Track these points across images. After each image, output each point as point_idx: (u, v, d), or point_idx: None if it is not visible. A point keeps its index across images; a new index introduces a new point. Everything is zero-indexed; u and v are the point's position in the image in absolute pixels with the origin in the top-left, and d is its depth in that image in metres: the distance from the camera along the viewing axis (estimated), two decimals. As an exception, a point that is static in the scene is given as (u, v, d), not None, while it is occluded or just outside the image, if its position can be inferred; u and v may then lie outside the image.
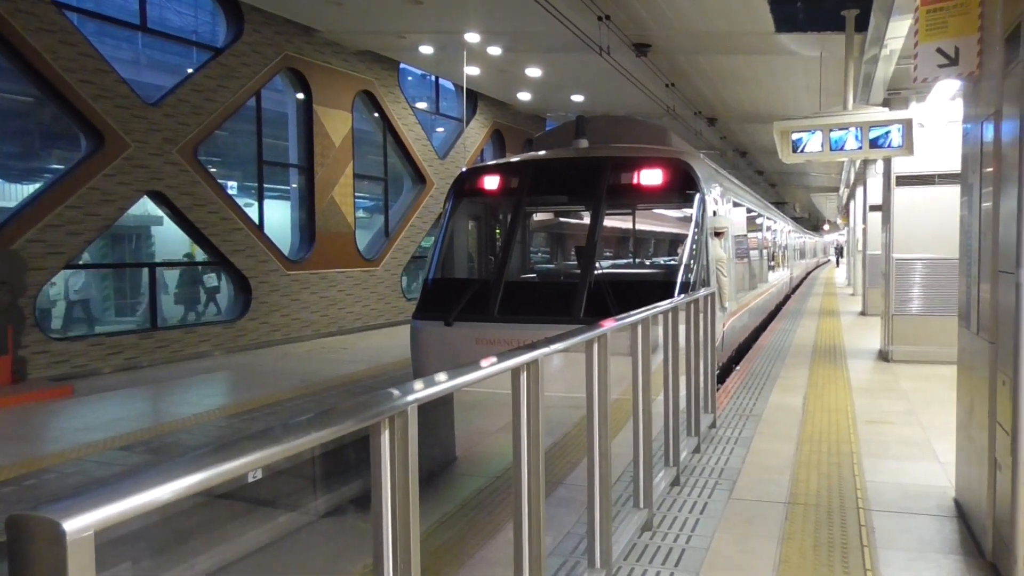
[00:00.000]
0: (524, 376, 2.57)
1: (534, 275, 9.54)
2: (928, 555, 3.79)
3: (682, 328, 5.20)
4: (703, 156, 9.90)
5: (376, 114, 16.62)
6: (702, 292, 6.00)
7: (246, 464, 1.26)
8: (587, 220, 8.02)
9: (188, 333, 12.02)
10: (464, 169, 8.77)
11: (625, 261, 9.58)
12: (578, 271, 7.68)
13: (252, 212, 13.42)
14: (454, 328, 7.26)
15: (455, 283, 8.20)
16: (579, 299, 7.04)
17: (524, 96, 20.16)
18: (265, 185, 13.87)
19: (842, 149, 8.43)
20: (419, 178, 17.89)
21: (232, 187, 14.12)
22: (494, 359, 2.47)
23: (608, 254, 9.55)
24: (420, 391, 1.86)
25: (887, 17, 7.44)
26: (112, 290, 14.06)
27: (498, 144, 21.56)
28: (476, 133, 20.18)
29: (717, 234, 8.29)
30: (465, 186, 8.37)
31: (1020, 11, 3.23)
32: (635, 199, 8.19)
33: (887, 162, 10.31)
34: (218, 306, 13.90)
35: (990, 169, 3.71)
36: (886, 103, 10.11)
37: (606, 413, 3.35)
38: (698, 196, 7.65)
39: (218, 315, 13.63)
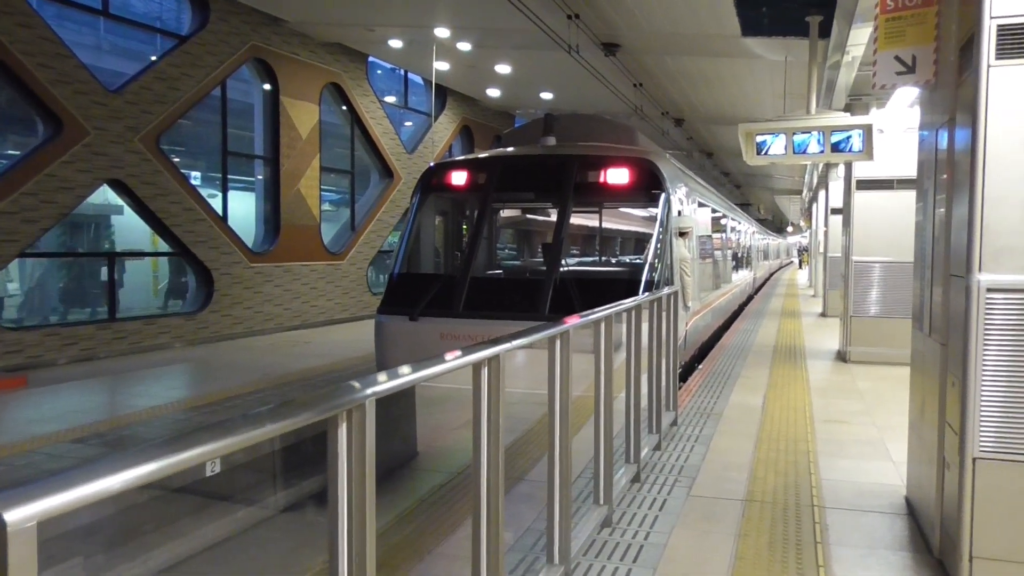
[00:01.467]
0: (486, 371, 2.58)
1: (500, 271, 9.55)
2: (878, 551, 3.87)
3: (645, 326, 5.25)
4: (669, 156, 10.04)
5: (344, 107, 16.49)
6: (665, 291, 6.05)
7: (199, 455, 1.25)
8: (553, 217, 8.08)
9: (147, 324, 11.83)
10: (432, 164, 8.76)
11: (591, 259, 9.67)
12: (544, 268, 7.74)
13: (216, 203, 13.24)
14: (419, 323, 7.26)
15: (421, 278, 8.17)
16: (544, 296, 7.11)
17: (493, 92, 20.14)
18: (230, 176, 13.69)
19: (805, 152, 8.55)
20: (386, 172, 17.80)
21: (196, 177, 13.90)
22: (456, 354, 2.47)
23: (574, 251, 9.64)
24: (378, 385, 1.86)
25: (849, 24, 7.56)
26: (70, 279, 13.79)
27: (467, 140, 21.52)
28: (445, 128, 20.12)
29: (682, 234, 8.42)
30: (432, 181, 8.36)
31: (973, 23, 3.30)
32: (601, 197, 8.25)
33: (848, 166, 10.49)
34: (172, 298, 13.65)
35: (944, 175, 3.80)
36: (848, 108, 10.27)
37: (567, 410, 3.37)
38: (663, 196, 7.75)
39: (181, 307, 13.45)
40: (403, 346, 7.27)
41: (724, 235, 15.31)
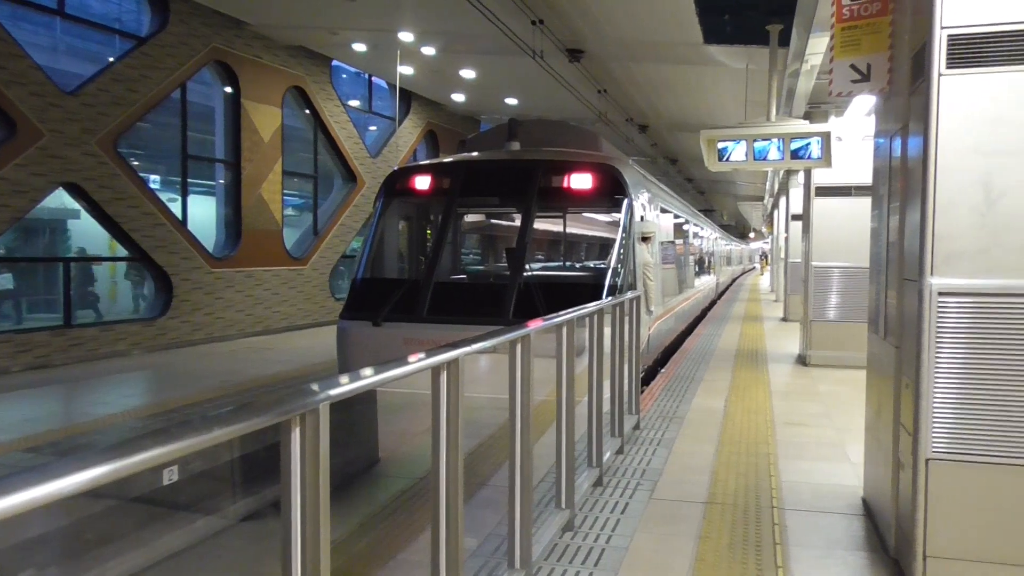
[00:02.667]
0: (444, 375, 2.57)
1: (464, 276, 9.57)
2: (836, 552, 3.93)
3: (607, 331, 5.27)
4: (632, 162, 10.13)
5: (307, 110, 16.37)
6: (628, 295, 6.10)
7: (147, 460, 1.23)
8: (517, 222, 8.12)
9: (104, 331, 11.61)
10: (395, 168, 8.77)
11: (554, 264, 9.81)
12: (508, 273, 7.76)
13: (176, 208, 13.06)
14: (382, 328, 7.21)
15: (384, 283, 8.17)
16: (508, 300, 7.13)
17: (458, 97, 20.15)
18: (190, 180, 13.52)
19: (765, 159, 8.67)
20: (350, 177, 17.70)
21: (155, 181, 13.70)
22: (415, 357, 2.46)
23: (538, 256, 9.74)
24: (333, 389, 1.84)
25: (807, 33, 7.70)
26: (23, 285, 13.49)
27: (432, 144, 21.49)
28: (409, 133, 20.07)
29: (644, 239, 8.52)
30: (396, 185, 8.35)
31: (925, 33, 3.38)
32: (565, 202, 8.29)
33: (807, 173, 10.66)
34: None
35: (898, 182, 3.88)
36: (807, 116, 10.45)
37: (528, 414, 3.38)
38: (626, 201, 7.85)
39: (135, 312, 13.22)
40: (366, 352, 7.21)
41: (687, 241, 15.49)
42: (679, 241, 13.63)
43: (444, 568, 2.63)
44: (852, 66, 4.32)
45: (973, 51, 3.30)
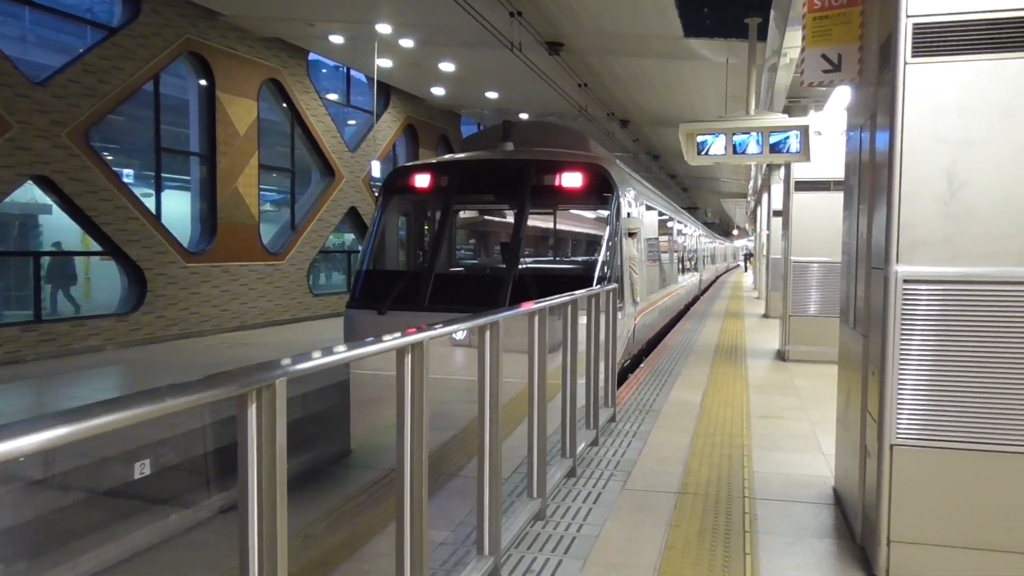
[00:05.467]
0: (409, 358, 2.60)
1: (462, 268, 10.34)
2: (804, 539, 4.00)
3: (583, 322, 5.33)
4: (619, 162, 10.62)
5: (284, 104, 16.31)
6: (604, 287, 6.15)
7: (93, 427, 1.26)
8: (511, 218, 8.90)
9: (76, 326, 11.53)
10: (397, 166, 9.50)
11: (546, 257, 10.37)
12: (503, 265, 8.42)
13: (150, 202, 12.98)
14: (387, 317, 7.89)
15: (387, 274, 8.92)
16: (505, 290, 7.82)
17: (438, 91, 20.14)
18: (164, 174, 13.44)
19: (744, 153, 8.75)
20: (328, 171, 17.65)
21: (128, 175, 13.62)
22: (378, 339, 2.50)
23: (531, 250, 10.25)
24: (289, 365, 1.87)
25: (784, 26, 7.78)
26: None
27: (411, 139, 21.47)
28: (388, 127, 20.04)
29: (630, 234, 9.16)
30: (397, 182, 9.11)
31: (891, 22, 3.45)
32: (556, 199, 8.92)
33: (787, 168, 10.77)
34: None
35: (867, 173, 3.95)
36: (787, 110, 10.53)
37: (496, 400, 3.42)
38: (614, 198, 8.58)
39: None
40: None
41: (670, 237, 15.98)
42: (663, 238, 14.16)
43: (408, 554, 2.66)
44: (823, 56, 4.39)
45: (938, 40, 3.37)
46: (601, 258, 8.35)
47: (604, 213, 8.69)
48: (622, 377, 9.33)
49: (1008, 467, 3.32)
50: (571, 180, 8.44)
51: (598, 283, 7.70)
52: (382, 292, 8.14)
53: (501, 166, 8.88)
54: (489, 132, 10.40)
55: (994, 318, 3.31)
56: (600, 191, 8.56)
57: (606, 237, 8.43)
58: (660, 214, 13.63)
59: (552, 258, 10.39)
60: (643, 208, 10.88)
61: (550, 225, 9.94)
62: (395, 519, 2.67)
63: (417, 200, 9.54)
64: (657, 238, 13.00)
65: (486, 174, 8.94)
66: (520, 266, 8.17)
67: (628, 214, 9.18)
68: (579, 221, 10.55)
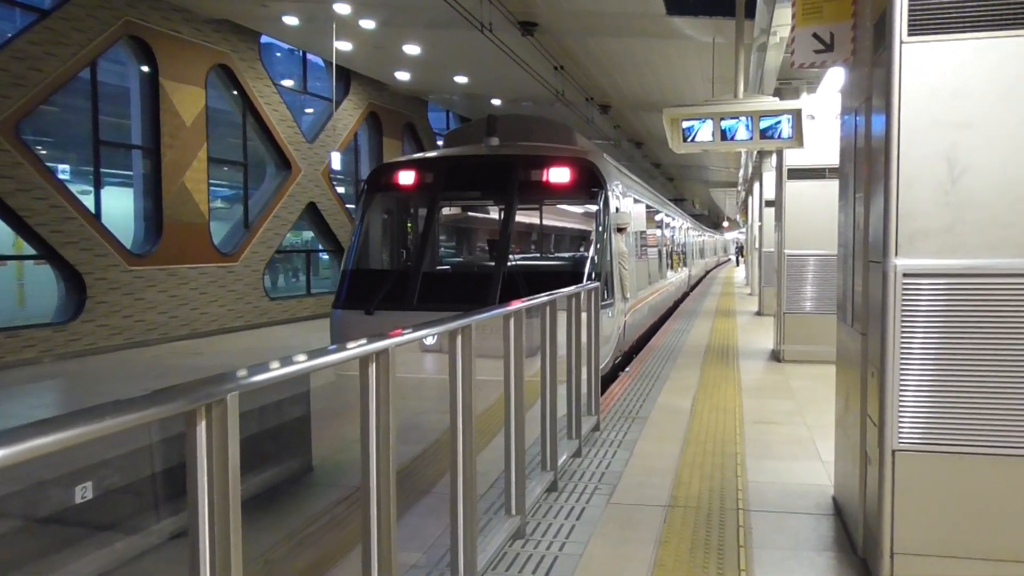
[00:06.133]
0: (373, 367, 2.59)
1: (450, 266, 10.83)
2: (802, 553, 4.04)
3: (564, 324, 5.34)
4: (606, 155, 11.13)
5: (235, 91, 16.20)
6: (585, 285, 6.17)
7: (23, 452, 1.24)
8: (499, 215, 9.39)
9: (10, 337, 11.38)
10: (380, 163, 10.03)
11: (535, 253, 10.73)
12: (492, 263, 8.93)
13: (88, 200, 12.84)
14: (374, 317, 8.29)
15: (373, 274, 9.37)
16: (494, 288, 8.24)
17: (402, 76, 20.10)
18: (103, 169, 13.33)
19: (733, 139, 8.78)
20: (284, 164, 17.57)
21: (64, 171, 13.46)
22: (340, 347, 2.49)
23: (520, 246, 10.60)
24: (242, 378, 1.86)
25: (773, 3, 7.85)
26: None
27: (374, 127, 21.41)
28: (349, 115, 19.96)
29: (619, 229, 9.60)
30: (381, 180, 9.52)
31: (886, -3, 3.49)
32: (544, 195, 9.37)
33: (779, 155, 10.86)
34: None
35: (863, 159, 3.99)
36: (778, 93, 10.64)
37: (470, 410, 3.41)
38: (603, 193, 9.06)
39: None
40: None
41: (658, 231, 16.43)
42: (651, 232, 14.60)
43: (377, 577, 2.66)
44: (815, 35, 4.44)
45: (936, 17, 3.41)
46: (591, 254, 8.85)
47: (593, 208, 9.16)
48: (612, 376, 9.70)
49: (1017, 472, 3.36)
50: (560, 175, 8.87)
51: (588, 279, 8.19)
52: (369, 292, 8.55)
53: (488, 162, 9.32)
54: (472, 127, 10.92)
55: (1001, 313, 3.35)
56: (589, 186, 9.03)
57: (595, 232, 8.92)
58: (648, 207, 14.09)
59: (541, 255, 10.82)
60: (631, 202, 11.32)
61: (539, 221, 10.35)
62: (361, 541, 2.66)
63: (403, 197, 9.98)
64: (645, 232, 13.39)
65: (473, 170, 9.36)
66: (509, 263, 8.67)
67: (617, 209, 9.65)
68: (568, 217, 10.98)
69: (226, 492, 1.77)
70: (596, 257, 8.84)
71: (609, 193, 9.21)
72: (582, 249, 9.71)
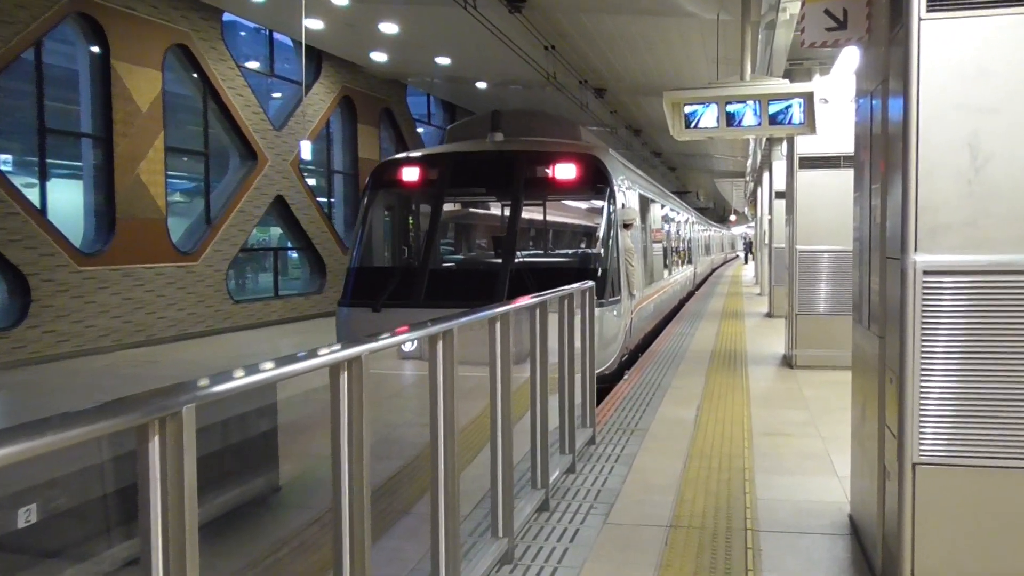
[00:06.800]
0: (344, 376, 2.59)
1: (457, 262, 11.77)
2: (816, 576, 4.05)
3: (556, 328, 5.34)
4: (611, 150, 11.86)
5: (195, 74, 16.15)
6: (579, 286, 6.17)
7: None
8: (505, 211, 10.21)
9: (-55, 346, 11.32)
10: (383, 160, 11.09)
11: (542, 250, 11.45)
12: (499, 259, 9.73)
13: (32, 194, 12.78)
14: (382, 314, 8.99)
15: (379, 271, 10.24)
16: (502, 284, 8.96)
17: (379, 57, 20.09)
18: (49, 160, 13.26)
19: (740, 125, 8.81)
20: (249, 153, 17.53)
21: (5, 162, 13.39)
22: (310, 354, 2.48)
23: (527, 243, 11.29)
24: (200, 389, 1.85)
25: (783, -25, 7.87)
26: None
27: (348, 113, 21.40)
28: (321, 100, 19.94)
29: (626, 226, 10.24)
30: (385, 176, 10.31)
31: (904, -30, 3.50)
32: (551, 191, 10.17)
33: (790, 142, 10.91)
34: None
35: (879, 147, 4.01)
36: (788, 74, 10.66)
37: (452, 423, 3.41)
38: (609, 189, 9.84)
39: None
40: None
41: (664, 227, 17.19)
42: (656, 227, 15.36)
43: (350, 607, 2.65)
44: (827, 11, 4.46)
45: (957, -8, 3.43)
46: (598, 250, 9.74)
47: (600, 204, 9.93)
48: (619, 375, 10.22)
49: (1047, 486, 3.39)
50: (566, 171, 9.63)
51: (595, 276, 9.04)
52: (376, 288, 9.30)
53: (494, 158, 10.11)
54: (475, 122, 11.72)
55: (1028, 313, 3.37)
56: (596, 182, 9.82)
57: (603, 229, 9.73)
58: (653, 202, 14.94)
59: (549, 251, 11.49)
60: (637, 197, 12.19)
61: (545, 217, 11.12)
62: (332, 568, 2.66)
63: (408, 194, 10.90)
64: (651, 228, 14.29)
65: (479, 166, 10.17)
66: (517, 260, 9.50)
67: (623, 204, 10.40)
68: (575, 213, 11.68)
69: (182, 515, 1.76)
70: (603, 253, 9.63)
71: (615, 189, 9.91)
72: (589, 245, 10.50)
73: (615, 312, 9.90)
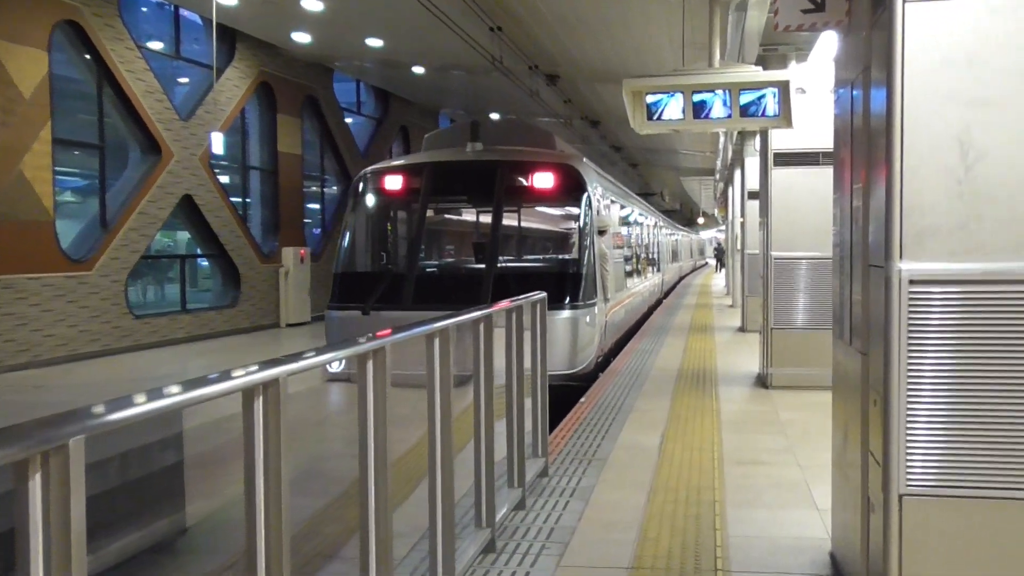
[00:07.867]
0: (260, 401, 2.56)
1: (442, 267, 13.67)
2: (794, 622, 4.10)
3: (503, 347, 5.35)
4: (585, 159, 13.90)
5: (87, 55, 15.92)
6: (528, 297, 6.19)
7: None
8: (486, 218, 12.00)
9: None
10: (367, 168, 12.62)
11: (523, 254, 13.28)
12: (482, 264, 11.43)
13: None
14: (371, 317, 10.57)
15: (367, 275, 12.07)
16: (486, 287, 10.57)
17: (301, 38, 20.01)
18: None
19: (708, 117, 8.90)
20: (152, 147, 17.33)
21: None
22: (223, 376, 2.46)
23: (509, 248, 12.80)
24: (91, 418, 1.82)
25: (755, -49, 7.99)
26: None
27: (266, 100, 21.28)
28: (235, 86, 19.79)
29: (601, 232, 12.05)
30: (369, 184, 12.21)
31: (886, -54, 3.57)
32: (530, 199, 12.19)
33: (764, 136, 11.05)
34: None
35: (860, 142, 4.08)
36: (761, 61, 10.81)
37: (384, 454, 3.39)
38: (586, 196, 11.71)
39: None
40: None
41: (635, 232, 19.55)
42: (627, 233, 17.60)
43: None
44: (802, -8, 4.54)
45: (944, -29, 3.51)
46: (576, 255, 11.61)
47: (576, 211, 11.84)
48: (594, 377, 11.58)
49: (1046, 518, 3.46)
50: (544, 180, 11.55)
51: (575, 280, 11.19)
52: (364, 292, 11.01)
53: (476, 167, 11.93)
54: (452, 131, 14.21)
55: (1026, 327, 3.44)
56: (572, 190, 11.74)
57: (580, 234, 11.60)
58: (623, 207, 17.38)
59: (529, 256, 13.42)
60: (610, 204, 14.43)
61: (525, 224, 12.93)
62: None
63: (391, 201, 12.85)
64: (623, 234, 16.59)
65: (461, 174, 12.11)
66: (499, 264, 11.31)
67: (598, 211, 12.27)
68: (554, 219, 13.61)
69: (68, 565, 1.73)
70: (580, 257, 11.48)
71: (591, 196, 11.80)
72: (567, 250, 12.49)
73: (592, 313, 11.41)
